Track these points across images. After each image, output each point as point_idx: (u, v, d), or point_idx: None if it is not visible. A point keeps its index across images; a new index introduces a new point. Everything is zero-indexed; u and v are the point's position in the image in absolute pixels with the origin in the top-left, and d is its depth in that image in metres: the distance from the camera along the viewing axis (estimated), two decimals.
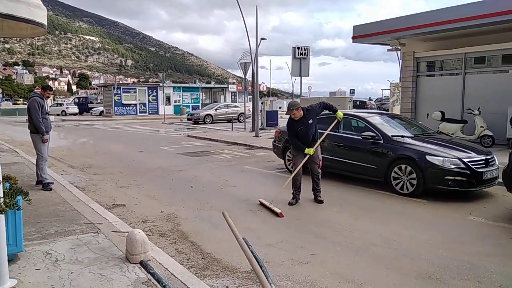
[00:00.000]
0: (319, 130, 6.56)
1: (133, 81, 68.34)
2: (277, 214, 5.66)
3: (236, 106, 28.75)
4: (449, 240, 4.67)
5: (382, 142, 7.16)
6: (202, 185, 7.68)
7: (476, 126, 11.59)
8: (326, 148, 7.97)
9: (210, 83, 58.83)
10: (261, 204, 6.17)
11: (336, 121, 6.78)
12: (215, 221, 5.30)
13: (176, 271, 3.74)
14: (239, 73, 20.77)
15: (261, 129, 18.33)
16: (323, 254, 4.25)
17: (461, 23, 10.98)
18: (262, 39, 18.76)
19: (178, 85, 43.33)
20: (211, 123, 25.69)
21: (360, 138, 7.49)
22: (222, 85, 45.42)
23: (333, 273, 3.77)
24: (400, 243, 4.55)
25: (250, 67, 18.46)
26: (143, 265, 2.19)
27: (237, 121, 25.36)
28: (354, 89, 39.07)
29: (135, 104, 34.79)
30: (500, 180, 5.97)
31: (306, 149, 6.21)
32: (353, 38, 14.52)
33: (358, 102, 33.99)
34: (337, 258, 4.16)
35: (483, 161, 6.50)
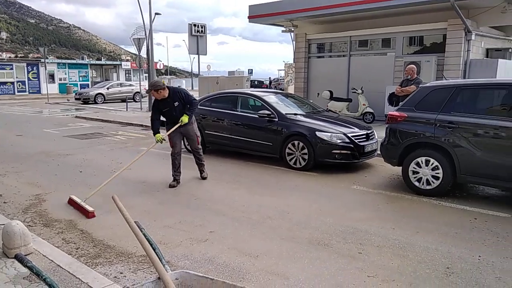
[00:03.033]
0: (217, 110, 6.56)
1: (9, 57, 60.30)
2: (87, 214, 4.78)
3: (131, 85, 27.23)
4: (336, 208, 5.08)
5: (277, 120, 7.43)
6: (93, 169, 7.17)
7: (359, 104, 12.71)
8: (225, 127, 8.04)
9: (100, 59, 54.60)
10: (72, 203, 5.19)
11: (178, 124, 6.05)
12: (108, 207, 4.98)
13: (63, 262, 3.45)
14: (134, 49, 19.62)
15: None
16: (221, 230, 4.30)
17: (346, 7, 11.81)
18: (156, 14, 17.89)
19: (64, 61, 39.43)
20: (103, 103, 24.03)
21: (257, 116, 7.68)
22: (115, 62, 42.59)
23: (231, 248, 3.84)
24: (293, 214, 4.82)
25: (145, 44, 17.56)
26: (19, 258, 1.94)
27: (132, 100, 24.14)
28: (252, 69, 39.81)
29: (12, 82, 30.85)
30: (379, 152, 6.66)
31: (156, 135, 5.96)
32: (249, 17, 14.68)
33: (256, 82, 34.81)
34: (235, 233, 4.24)
35: (365, 136, 7.16)
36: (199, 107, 7.45)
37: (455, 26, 11.02)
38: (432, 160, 5.46)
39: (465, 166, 5.21)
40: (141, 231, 2.51)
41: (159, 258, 2.29)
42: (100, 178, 6.52)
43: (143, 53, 18.67)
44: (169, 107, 6.00)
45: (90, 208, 4.86)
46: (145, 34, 17.68)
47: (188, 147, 6.93)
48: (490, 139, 5.05)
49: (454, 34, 11.17)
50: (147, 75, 19.98)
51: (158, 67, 42.49)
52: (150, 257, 2.30)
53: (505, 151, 4.89)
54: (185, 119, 6.05)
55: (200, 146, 6.49)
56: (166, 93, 5.93)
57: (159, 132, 6.03)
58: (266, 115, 7.52)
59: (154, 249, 2.37)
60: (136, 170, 7.09)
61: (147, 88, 6.50)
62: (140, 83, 21.00)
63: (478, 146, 5.09)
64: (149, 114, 6.37)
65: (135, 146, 9.68)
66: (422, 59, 11.59)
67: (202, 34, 12.68)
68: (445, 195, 5.49)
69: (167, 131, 6.15)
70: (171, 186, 6.05)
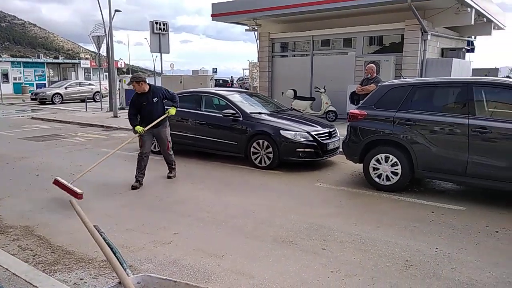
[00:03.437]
0: (181, 109, 6.53)
1: None
2: (76, 195, 5.02)
3: (90, 84, 26.37)
4: (300, 205, 5.15)
5: (241, 119, 7.43)
6: (51, 173, 6.88)
7: (322, 102, 12.94)
8: (190, 127, 7.95)
9: (58, 58, 52.42)
10: (57, 184, 5.39)
11: (165, 115, 6.17)
12: (67, 211, 4.80)
13: (19, 270, 3.30)
14: (93, 47, 19.01)
15: (120, 108, 17.23)
16: (186, 232, 4.25)
17: (307, 7, 11.97)
18: (116, 11, 17.40)
19: (18, 59, 37.63)
20: (60, 103, 23.12)
21: (221, 115, 7.64)
22: (73, 61, 41.17)
23: (196, 249, 3.80)
24: (258, 213, 4.83)
25: (105, 42, 17.04)
26: None
27: (92, 100, 23.38)
28: (216, 68, 39.73)
29: None
30: (341, 149, 6.80)
31: (136, 127, 5.98)
32: (212, 16, 14.58)
33: (220, 81, 34.70)
34: (200, 234, 4.20)
35: (327, 134, 7.30)
36: None
37: (412, 26, 11.44)
38: (391, 157, 5.64)
39: (422, 162, 5.42)
40: (101, 235, 2.43)
41: (120, 263, 2.24)
42: None
43: (103, 51, 18.13)
44: (147, 101, 5.99)
45: (78, 190, 5.10)
46: (105, 32, 17.16)
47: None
48: (445, 135, 5.28)
49: (411, 34, 11.58)
50: (107, 74, 19.41)
51: (119, 66, 41.35)
52: (110, 261, 2.23)
53: (459, 146, 5.12)
54: (172, 111, 6.20)
55: (171, 152, 6.45)
56: (146, 87, 6.01)
57: (139, 125, 6.02)
58: (230, 114, 7.50)
59: (114, 253, 2.31)
60: (96, 173, 6.87)
61: (127, 82, 6.71)
62: (100, 82, 20.34)
63: (434, 142, 5.31)
64: (110, 114, 6.34)
65: (95, 147, 9.38)
66: (382, 58, 11.95)
67: (164, 32, 12.46)
68: (404, 190, 5.69)
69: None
70: (133, 187, 5.91)
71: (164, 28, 12.57)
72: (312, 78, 14.13)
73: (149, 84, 6.13)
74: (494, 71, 13.45)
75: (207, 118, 7.91)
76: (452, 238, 4.08)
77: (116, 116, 15.06)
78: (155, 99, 6.06)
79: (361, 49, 13.01)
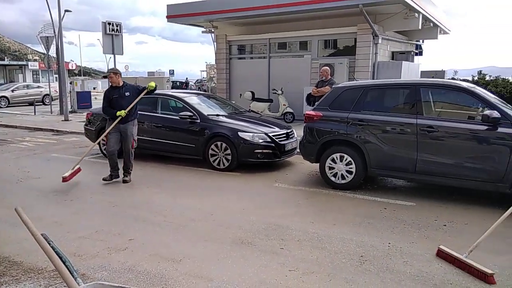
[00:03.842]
0: (140, 112, 6.68)
1: None
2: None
3: (39, 87, 25.09)
4: (258, 206, 5.17)
5: (199, 121, 7.36)
6: None
7: (280, 104, 13.10)
8: (146, 130, 7.76)
9: (4, 59, 49.56)
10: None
11: (146, 90, 6.29)
12: (14, 220, 4.52)
13: None
14: (42, 48, 18.13)
15: (71, 112, 16.57)
16: (142, 237, 4.14)
17: (263, 10, 12.10)
18: (66, 11, 16.74)
19: None
20: (7, 106, 21.85)
21: (178, 118, 7.53)
22: (20, 62, 39.20)
23: (153, 254, 3.72)
24: (216, 215, 4.80)
25: (54, 42, 16.32)
26: None
27: (41, 103, 22.29)
28: (173, 70, 39.06)
29: None
30: (298, 150, 6.91)
31: (118, 112, 6.12)
32: (167, 17, 14.37)
33: (177, 83, 34.23)
34: (156, 239, 4.11)
35: (285, 135, 7.39)
36: None
37: (364, 30, 11.85)
38: (346, 156, 5.81)
39: (375, 161, 5.62)
40: (49, 244, 2.33)
41: (70, 272, 2.15)
42: (2, 189, 5.94)
43: (53, 53, 17.37)
44: (118, 95, 6.24)
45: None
46: (54, 32, 16.45)
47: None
48: (395, 135, 5.50)
49: (363, 38, 12.00)
50: (57, 76, 18.60)
51: (70, 68, 39.77)
52: (60, 271, 2.14)
53: (409, 145, 5.36)
54: (152, 84, 6.28)
55: (132, 151, 6.44)
56: (121, 81, 6.33)
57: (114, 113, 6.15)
58: (188, 117, 7.41)
59: (64, 262, 2.22)
60: (46, 179, 6.57)
61: (104, 74, 7.10)
62: (49, 85, 19.42)
63: (385, 142, 5.52)
64: (61, 117, 6.29)
65: (45, 152, 8.95)
66: (336, 61, 12.29)
67: (117, 33, 12.08)
68: (359, 188, 5.87)
69: (107, 128, 6.33)
70: (104, 179, 6.26)
71: (117, 29, 12.20)
72: (269, 80, 14.28)
73: (123, 81, 6.42)
74: (441, 73, 14.19)
75: (163, 121, 7.77)
76: (403, 233, 4.26)
77: (67, 120, 14.44)
78: (127, 93, 6.26)
79: (316, 52, 13.31)
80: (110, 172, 6.34)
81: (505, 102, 5.70)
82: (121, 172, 6.39)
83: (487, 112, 4.89)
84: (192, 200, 5.43)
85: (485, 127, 4.92)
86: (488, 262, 3.50)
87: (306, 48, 13.71)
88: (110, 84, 6.38)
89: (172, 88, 28.31)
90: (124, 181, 6.28)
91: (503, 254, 3.73)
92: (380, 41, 11.99)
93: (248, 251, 3.80)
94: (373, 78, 11.91)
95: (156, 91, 6.85)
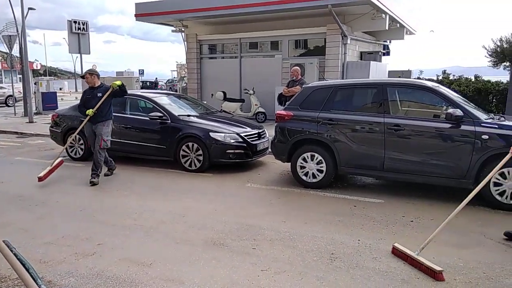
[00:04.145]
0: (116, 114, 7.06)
1: None
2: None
3: (2, 88, 24.13)
4: (231, 207, 5.16)
5: (169, 122, 7.27)
6: None
7: (251, 104, 13.11)
8: (114, 131, 7.56)
9: None
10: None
11: (111, 90, 6.29)
12: None
13: None
14: (4, 48, 17.42)
15: (36, 113, 16.02)
16: (111, 241, 4.04)
17: (232, 10, 12.07)
18: (30, 9, 16.16)
19: None
20: None
21: (148, 118, 7.42)
22: None
23: (122, 259, 3.64)
24: (188, 216, 4.76)
25: (17, 41, 15.70)
26: None
27: (4, 105, 21.48)
28: (143, 70, 38.42)
29: None
30: (270, 150, 6.94)
31: (87, 111, 6.27)
32: (136, 16, 14.10)
33: (148, 83, 33.71)
34: (126, 243, 4.03)
35: (257, 135, 7.41)
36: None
37: (333, 31, 12.03)
38: (316, 155, 5.88)
39: (345, 159, 5.71)
40: (11, 251, 2.25)
41: (33, 279, 2.09)
42: None
43: (16, 52, 16.71)
44: (91, 95, 6.39)
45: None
46: (17, 31, 15.82)
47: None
48: (364, 133, 5.62)
49: (332, 38, 12.18)
50: (21, 76, 17.92)
51: (35, 67, 38.42)
52: (23, 278, 2.08)
53: (377, 144, 5.48)
54: (118, 82, 6.33)
55: (101, 151, 6.39)
56: (97, 82, 6.48)
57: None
58: (158, 117, 7.31)
59: (27, 270, 2.15)
60: (10, 183, 6.33)
61: (82, 74, 7.15)
62: (13, 85, 18.67)
63: (354, 140, 5.63)
64: (25, 119, 6.27)
65: (8, 156, 8.61)
66: (306, 61, 12.41)
67: (84, 31, 11.78)
68: (329, 186, 5.96)
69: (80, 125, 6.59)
70: (105, 175, 6.69)
71: (83, 28, 11.89)
72: (241, 80, 14.26)
73: (102, 83, 6.58)
74: (407, 73, 14.58)
75: (132, 122, 7.63)
76: (372, 230, 4.35)
77: (32, 122, 13.93)
78: (99, 94, 6.32)
79: (287, 52, 13.40)
80: (108, 168, 6.79)
81: (467, 100, 5.92)
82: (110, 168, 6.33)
83: (450, 110, 5.06)
84: (163, 202, 5.35)
85: (449, 125, 5.10)
86: (453, 256, 3.64)
87: (277, 48, 13.78)
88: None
89: (142, 88, 27.86)
90: (92, 183, 6.13)
91: (467, 248, 3.88)
92: (349, 41, 12.20)
93: (220, 252, 3.78)
94: (342, 78, 12.10)
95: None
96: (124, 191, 5.92)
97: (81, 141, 7.75)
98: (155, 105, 7.58)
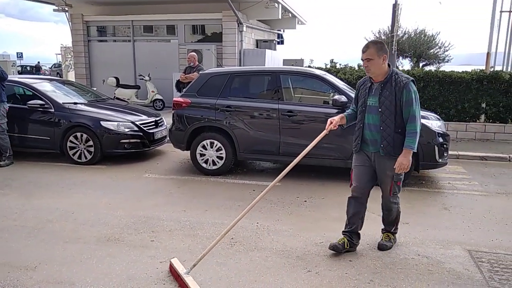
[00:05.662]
0: None
1: None
2: None
3: None
4: (127, 200, 4.91)
5: (53, 110, 6.61)
6: None
7: (148, 91, 12.58)
8: None
9: None
10: None
11: None
12: None
13: None
14: None
15: None
16: None
17: None
18: None
19: None
20: None
21: (26, 107, 6.65)
22: None
23: (1, 264, 3.23)
24: (78, 213, 4.41)
25: None
26: None
27: None
28: (22, 53, 34.26)
29: None
30: (168, 138, 6.76)
31: None
32: None
33: (28, 68, 30.27)
34: (5, 246, 3.58)
35: (154, 123, 7.13)
36: None
37: (229, 17, 12.07)
38: (216, 142, 5.89)
39: (243, 145, 5.82)
40: None
41: None
42: None
43: None
44: None
45: None
46: None
47: None
48: (260, 120, 5.78)
49: (228, 25, 12.23)
50: None
51: None
52: None
53: (273, 129, 5.68)
54: None
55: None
56: None
57: None
58: (38, 105, 6.60)
59: None
60: None
61: None
62: None
63: (252, 127, 5.76)
64: None
65: None
66: (203, 47, 12.29)
67: None
68: (229, 172, 6.04)
69: None
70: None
71: None
72: (135, 65, 13.58)
73: None
74: (300, 62, 15.34)
75: (9, 111, 6.75)
76: (270, 212, 4.53)
77: None
78: None
79: (183, 37, 13.09)
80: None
81: (352, 87, 6.44)
82: None
83: (336, 97, 5.46)
84: (49, 200, 4.87)
85: (336, 111, 5.49)
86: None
87: (173, 33, 13.36)
88: None
89: (21, 73, 24.90)
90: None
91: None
92: (244, 29, 12.37)
93: (115, 248, 3.58)
94: (240, 65, 12.27)
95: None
96: (2, 189, 5.25)
97: None
98: (35, 92, 6.82)
